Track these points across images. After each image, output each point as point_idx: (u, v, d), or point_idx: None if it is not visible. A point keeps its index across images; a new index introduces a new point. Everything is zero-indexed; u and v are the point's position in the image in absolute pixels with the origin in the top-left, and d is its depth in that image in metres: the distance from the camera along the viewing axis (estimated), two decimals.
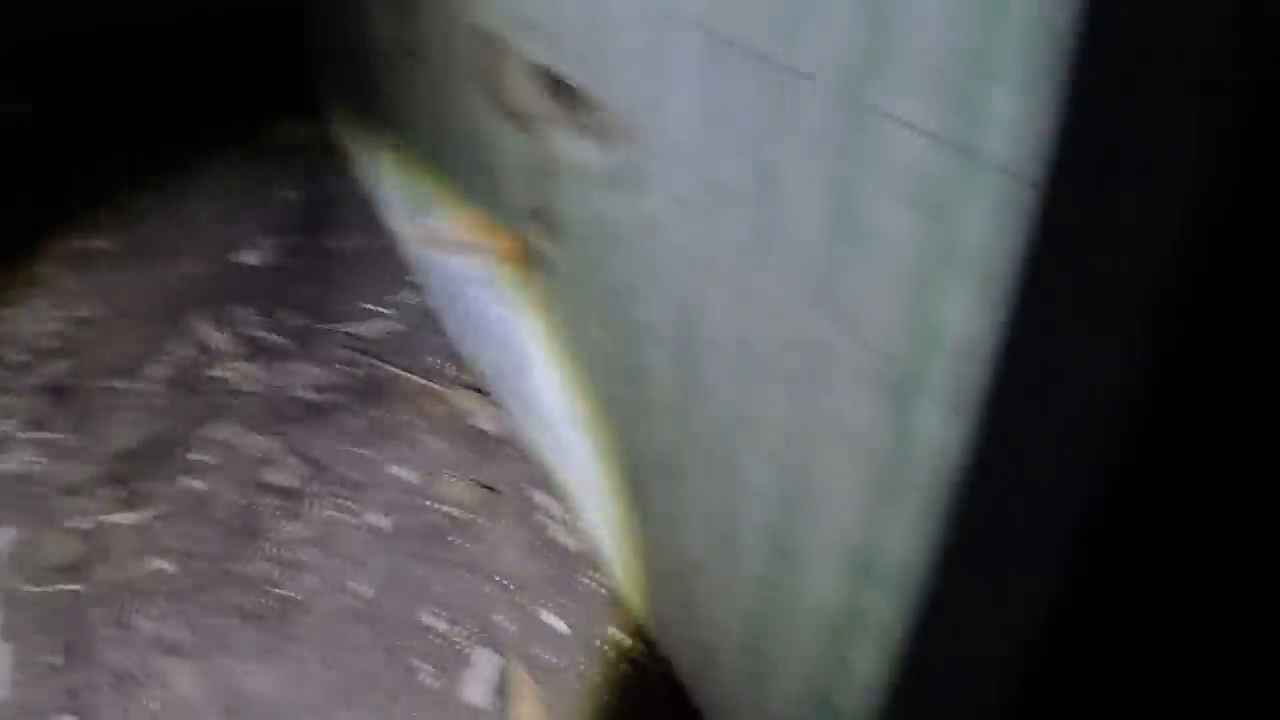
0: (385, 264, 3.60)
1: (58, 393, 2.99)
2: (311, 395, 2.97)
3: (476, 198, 2.67)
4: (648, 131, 1.66)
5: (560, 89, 2.00)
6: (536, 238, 2.31)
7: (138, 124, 4.81)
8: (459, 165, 2.73)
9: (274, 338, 3.20)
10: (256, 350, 3.14)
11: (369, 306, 3.35)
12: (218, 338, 3.18)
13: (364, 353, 3.14)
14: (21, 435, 2.86)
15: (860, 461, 1.29)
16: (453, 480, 2.70)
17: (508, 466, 2.74)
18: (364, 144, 3.96)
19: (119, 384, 3.02)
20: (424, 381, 3.03)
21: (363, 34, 3.46)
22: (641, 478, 2.04)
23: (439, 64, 2.70)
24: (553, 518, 2.59)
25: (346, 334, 3.23)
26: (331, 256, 3.66)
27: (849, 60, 1.13)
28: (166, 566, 2.44)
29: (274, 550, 2.47)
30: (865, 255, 1.18)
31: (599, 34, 1.75)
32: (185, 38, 5.96)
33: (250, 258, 3.63)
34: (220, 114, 4.89)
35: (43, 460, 2.78)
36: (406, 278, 3.51)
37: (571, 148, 2.01)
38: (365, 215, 3.89)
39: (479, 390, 3.00)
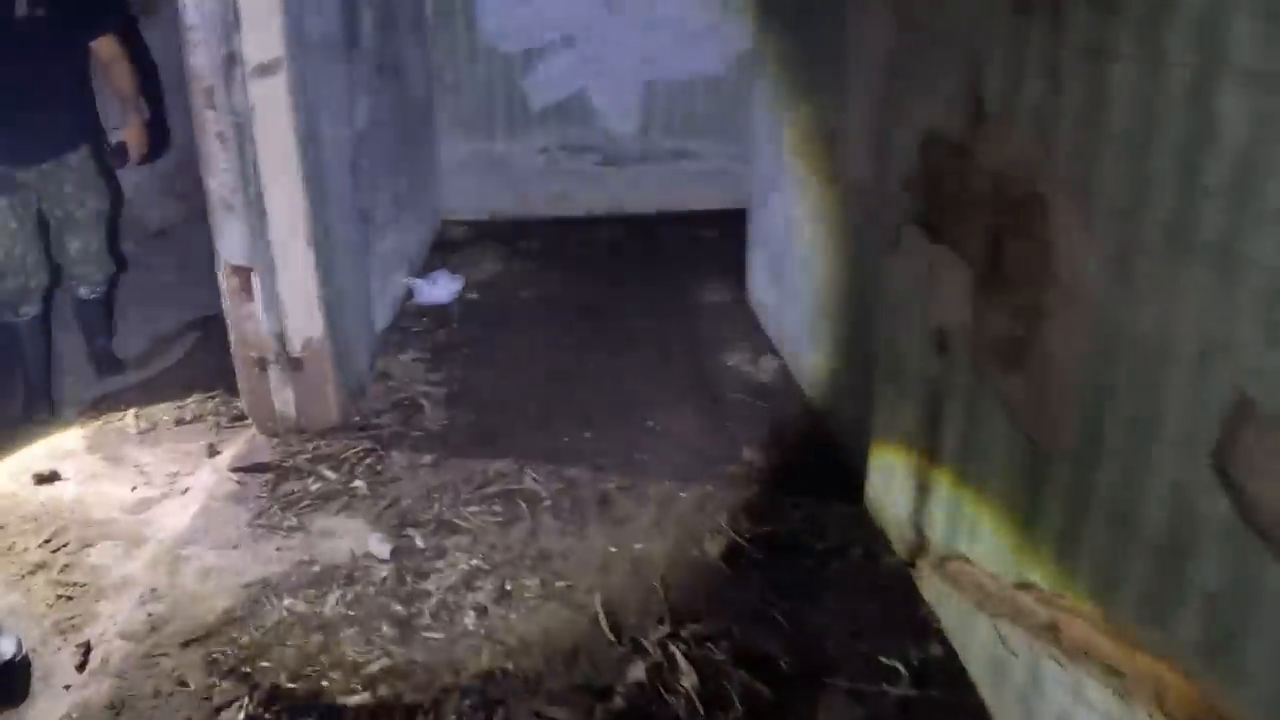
0: (889, 588, 2.69)
1: (483, 710, 2.29)
2: None
3: (1117, 576, 1.72)
4: None
5: None
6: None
7: (583, 340, 4.37)
8: (1096, 527, 1.81)
9: (752, 680, 2.35)
10: (736, 699, 2.30)
11: (877, 655, 2.43)
12: (684, 666, 2.38)
13: None
14: None
15: None
16: None
17: None
18: (878, 432, 3.16)
19: (557, 713, 2.28)
20: None
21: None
22: None
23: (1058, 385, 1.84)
24: None
25: (850, 692, 2.32)
26: (816, 563, 2.80)
27: None
28: None
29: None
30: None
31: None
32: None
33: (715, 546, 2.87)
34: (668, 339, 4.34)
35: None
36: (921, 614, 2.58)
37: None
38: (853, 509, 3.04)
39: None
